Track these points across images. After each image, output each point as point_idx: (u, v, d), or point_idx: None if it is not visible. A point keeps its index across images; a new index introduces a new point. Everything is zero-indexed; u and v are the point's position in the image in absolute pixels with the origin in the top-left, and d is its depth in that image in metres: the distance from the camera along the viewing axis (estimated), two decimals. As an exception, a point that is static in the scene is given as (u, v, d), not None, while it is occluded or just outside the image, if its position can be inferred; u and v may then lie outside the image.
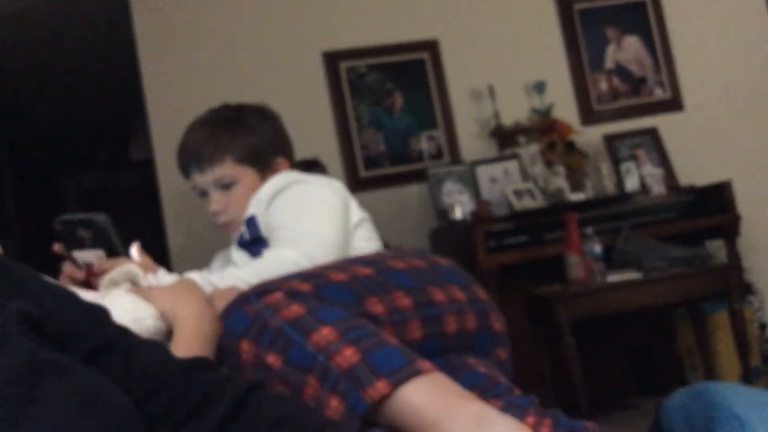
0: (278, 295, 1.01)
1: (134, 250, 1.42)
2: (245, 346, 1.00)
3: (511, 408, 0.96)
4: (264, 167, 1.66)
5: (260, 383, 0.84)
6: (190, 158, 1.65)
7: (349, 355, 0.92)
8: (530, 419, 0.96)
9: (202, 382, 0.77)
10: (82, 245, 1.37)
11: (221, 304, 1.21)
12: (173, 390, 0.75)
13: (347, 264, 1.12)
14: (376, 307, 1.06)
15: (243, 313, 1.02)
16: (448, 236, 3.16)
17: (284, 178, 1.57)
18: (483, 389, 0.95)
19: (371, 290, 1.07)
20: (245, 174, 1.64)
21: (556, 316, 2.71)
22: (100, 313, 0.79)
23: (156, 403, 0.73)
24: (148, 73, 3.20)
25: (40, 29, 4.12)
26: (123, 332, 0.79)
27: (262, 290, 1.03)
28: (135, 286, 1.27)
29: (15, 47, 4.30)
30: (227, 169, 1.63)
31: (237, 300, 1.05)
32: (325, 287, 1.05)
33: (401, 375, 0.89)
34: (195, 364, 0.81)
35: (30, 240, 5.72)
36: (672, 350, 3.31)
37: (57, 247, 1.40)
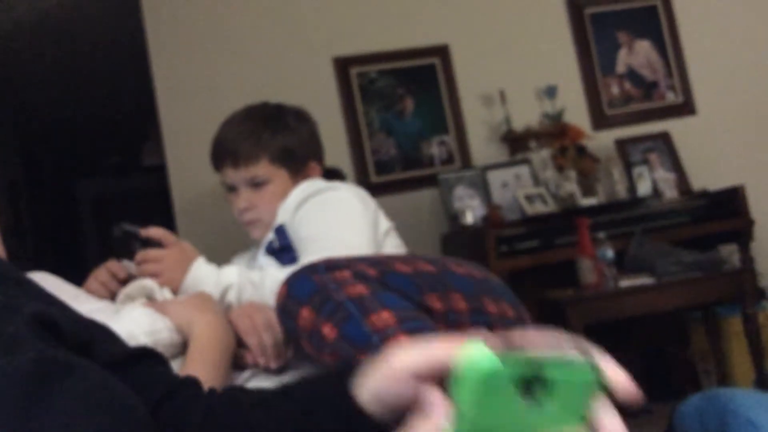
0: (346, 273, 1.03)
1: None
2: (305, 313, 1.02)
3: None
4: (297, 170, 1.67)
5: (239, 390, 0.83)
6: (226, 152, 1.66)
7: (402, 342, 0.93)
8: None
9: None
10: (133, 256, 1.43)
11: (244, 322, 1.22)
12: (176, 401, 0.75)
13: (412, 259, 1.15)
14: (435, 303, 1.07)
15: (310, 281, 1.04)
16: (460, 241, 3.16)
17: (311, 186, 1.58)
18: None
19: (432, 287, 1.09)
20: (278, 175, 1.65)
21: (569, 320, 2.70)
22: (110, 332, 0.79)
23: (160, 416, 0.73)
24: (160, 78, 3.22)
25: (53, 36, 4.15)
26: (137, 350, 0.79)
27: (331, 265, 1.05)
28: (151, 300, 1.29)
29: (29, 54, 4.33)
30: (262, 168, 1.63)
31: (306, 268, 1.07)
32: (390, 275, 1.06)
33: None
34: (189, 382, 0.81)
35: (44, 243, 5.75)
36: (685, 355, 3.29)
37: (113, 266, 1.44)
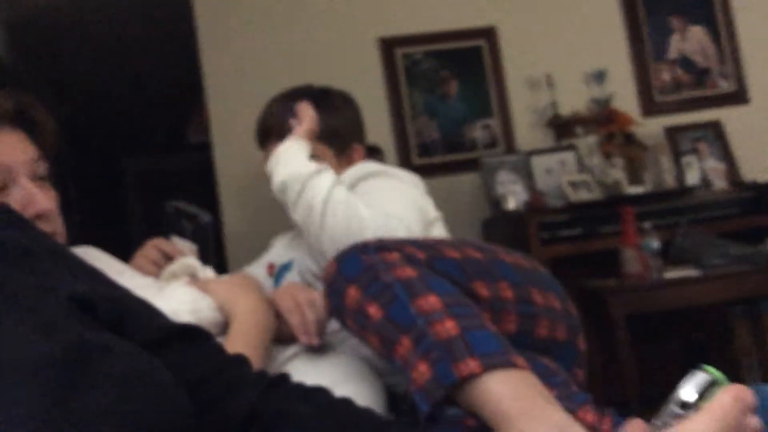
0: (395, 255, 1.04)
1: None
2: (352, 291, 1.03)
3: (567, 400, 0.95)
4: (341, 150, 1.69)
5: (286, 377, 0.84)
6: (273, 128, 1.67)
7: (449, 327, 0.93)
8: (590, 416, 0.94)
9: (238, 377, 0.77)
10: (182, 233, 1.47)
11: (286, 301, 1.23)
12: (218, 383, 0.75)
13: (461, 244, 1.15)
14: (482, 290, 1.07)
15: (359, 260, 1.05)
16: (501, 226, 3.13)
17: (368, 167, 1.59)
18: (541, 377, 0.94)
19: (480, 274, 1.09)
20: (323, 152, 1.66)
21: (610, 310, 2.67)
22: (153, 308, 0.79)
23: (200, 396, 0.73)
24: (207, 57, 3.24)
25: (100, 13, 4.20)
26: (178, 326, 0.79)
27: (381, 246, 1.06)
28: (194, 278, 1.30)
29: (75, 31, 4.39)
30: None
31: (355, 247, 1.08)
32: (439, 260, 1.06)
33: (495, 361, 0.88)
34: (237, 360, 0.81)
35: (90, 219, 5.86)
36: (728, 349, 3.23)
37: (160, 243, 1.47)
